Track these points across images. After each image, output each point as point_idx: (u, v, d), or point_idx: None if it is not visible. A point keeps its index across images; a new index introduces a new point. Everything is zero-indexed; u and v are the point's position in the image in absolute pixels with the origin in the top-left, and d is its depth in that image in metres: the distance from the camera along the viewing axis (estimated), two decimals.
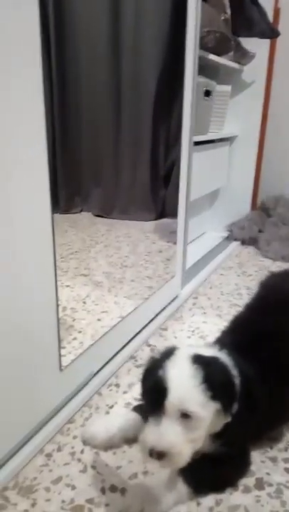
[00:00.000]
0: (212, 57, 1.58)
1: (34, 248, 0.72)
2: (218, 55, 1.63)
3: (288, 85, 2.21)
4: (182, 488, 0.67)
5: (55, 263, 0.76)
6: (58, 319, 0.81)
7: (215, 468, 0.70)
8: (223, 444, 0.68)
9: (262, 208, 2.23)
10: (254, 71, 1.97)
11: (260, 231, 2.08)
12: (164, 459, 0.59)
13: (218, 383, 0.62)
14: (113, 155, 2.43)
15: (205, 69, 1.65)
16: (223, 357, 0.68)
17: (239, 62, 1.87)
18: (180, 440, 0.59)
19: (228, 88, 1.84)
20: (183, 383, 0.61)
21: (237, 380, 0.65)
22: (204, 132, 1.72)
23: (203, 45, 1.48)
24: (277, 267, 1.81)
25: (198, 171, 1.68)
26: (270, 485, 0.73)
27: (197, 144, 1.59)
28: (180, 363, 0.63)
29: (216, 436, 0.67)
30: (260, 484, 0.73)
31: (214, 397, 0.61)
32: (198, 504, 0.69)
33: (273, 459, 0.79)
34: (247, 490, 0.72)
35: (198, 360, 0.64)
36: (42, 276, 0.75)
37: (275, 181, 2.32)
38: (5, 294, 0.67)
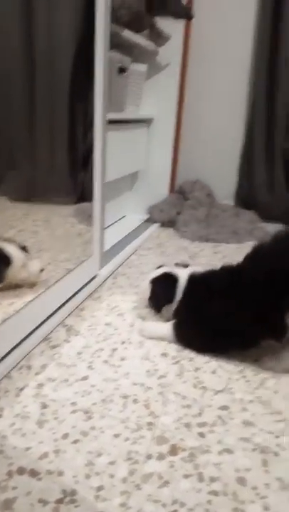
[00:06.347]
0: (126, 33, 1.55)
1: None
2: (133, 32, 1.61)
3: (204, 69, 2.26)
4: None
5: None
6: None
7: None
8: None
9: (179, 192, 2.28)
10: (169, 53, 1.98)
11: (178, 213, 2.12)
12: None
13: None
14: (29, 137, 2.29)
15: (120, 46, 1.62)
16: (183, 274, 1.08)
17: (154, 43, 1.87)
18: None
19: (143, 68, 1.82)
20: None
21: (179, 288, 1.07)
22: (120, 110, 1.69)
23: (117, 19, 1.45)
24: (195, 247, 1.86)
25: (114, 152, 1.65)
26: (184, 450, 0.74)
27: (113, 122, 1.56)
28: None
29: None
30: (174, 450, 0.74)
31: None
32: (112, 476, 0.68)
33: (187, 425, 0.80)
34: (161, 457, 0.72)
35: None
36: None
37: (192, 165, 2.38)
38: None
